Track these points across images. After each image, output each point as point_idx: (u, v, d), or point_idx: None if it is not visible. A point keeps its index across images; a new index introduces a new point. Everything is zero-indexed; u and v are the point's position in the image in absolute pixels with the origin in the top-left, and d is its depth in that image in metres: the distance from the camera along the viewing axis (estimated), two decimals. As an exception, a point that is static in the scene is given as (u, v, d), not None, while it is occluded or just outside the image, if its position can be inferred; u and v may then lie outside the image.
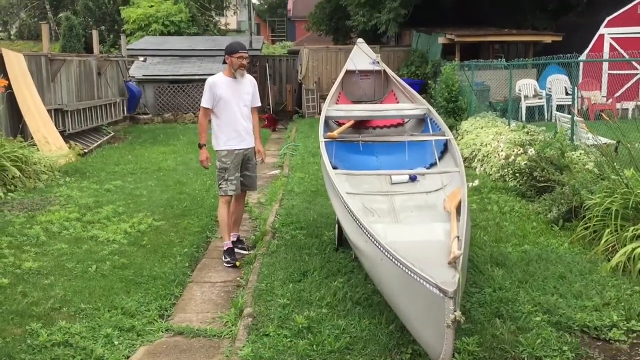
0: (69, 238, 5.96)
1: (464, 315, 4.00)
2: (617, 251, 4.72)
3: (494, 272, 4.69)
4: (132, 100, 16.04)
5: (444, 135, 5.42)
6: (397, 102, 6.67)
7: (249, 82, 5.73)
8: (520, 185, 7.58)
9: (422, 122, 6.10)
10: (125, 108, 15.78)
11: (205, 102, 5.55)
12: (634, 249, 4.51)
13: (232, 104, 5.54)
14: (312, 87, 19.00)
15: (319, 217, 6.54)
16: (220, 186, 5.63)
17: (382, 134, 6.09)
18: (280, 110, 21.15)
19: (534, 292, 4.29)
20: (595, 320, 3.84)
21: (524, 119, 14.03)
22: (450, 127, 13.98)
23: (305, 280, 4.71)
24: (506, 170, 8.07)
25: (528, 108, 14.65)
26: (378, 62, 6.93)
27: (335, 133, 5.57)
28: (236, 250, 5.72)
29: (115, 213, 6.85)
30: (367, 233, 3.70)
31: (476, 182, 7.95)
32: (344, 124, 6.26)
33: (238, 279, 5.18)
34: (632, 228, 4.73)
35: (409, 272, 3.15)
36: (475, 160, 9.56)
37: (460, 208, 4.04)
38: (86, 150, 11.36)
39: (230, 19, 40.24)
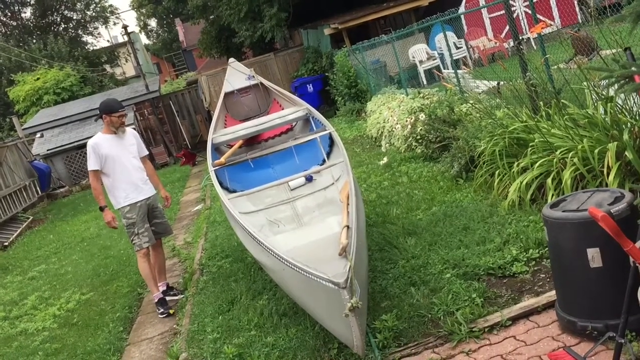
0: (-2, 340, 5.81)
1: (382, 293, 4.19)
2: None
3: (407, 243, 4.87)
4: (42, 179, 15.61)
5: (325, 130, 5.58)
6: (282, 109, 6.80)
7: (131, 135, 5.74)
8: (426, 149, 7.85)
9: (308, 122, 6.24)
10: (38, 188, 15.35)
11: (92, 165, 5.50)
12: (521, 182, 4.77)
13: (121, 159, 5.52)
14: (219, 111, 18.94)
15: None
16: (134, 242, 5.60)
17: (270, 145, 6.20)
18: (197, 142, 21.03)
19: (442, 251, 4.49)
20: (498, 260, 4.06)
21: (425, 82, 14.47)
22: (358, 111, 14.44)
23: (233, 309, 4.76)
24: (410, 139, 8.33)
25: (426, 71, 15.08)
26: (253, 76, 7.04)
27: (222, 159, 5.64)
28: (168, 298, 5.71)
29: (42, 299, 6.70)
30: (266, 248, 3.79)
31: (385, 160, 8.18)
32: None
33: (175, 326, 5.17)
34: (516, 164, 5.00)
35: (307, 275, 3.27)
36: (383, 137, 9.81)
37: (349, 196, 4.18)
38: (6, 244, 11.01)
39: (126, 67, 39.69)
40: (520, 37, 7.74)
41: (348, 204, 4.09)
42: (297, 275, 3.39)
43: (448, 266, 4.20)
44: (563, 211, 3.05)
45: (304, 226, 4.61)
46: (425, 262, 4.40)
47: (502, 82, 7.70)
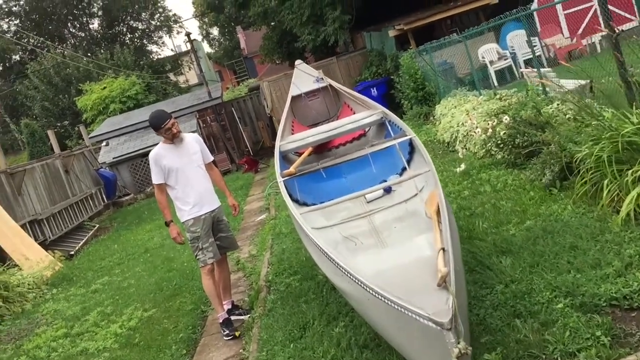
0: (58, 359, 5.55)
1: (481, 325, 3.60)
2: (623, 200, 4.29)
3: (501, 264, 4.26)
4: (109, 186, 15.72)
5: (405, 135, 5.01)
6: (353, 113, 6.29)
7: (194, 141, 5.38)
8: (508, 155, 7.17)
9: (383, 127, 5.70)
10: (104, 196, 15.45)
11: (156, 179, 5.18)
12: (638, 193, 4.08)
13: (184, 170, 5.17)
14: (281, 116, 18.69)
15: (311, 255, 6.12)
16: (198, 257, 5.23)
17: (343, 153, 5.68)
18: (260, 148, 20.88)
19: (548, 274, 3.85)
20: (622, 288, 3.39)
21: (496, 84, 13.69)
22: (426, 115, 13.78)
23: (306, 335, 4.28)
24: (489, 144, 7.66)
25: (497, 72, 14.30)
26: (322, 79, 6.56)
27: (292, 169, 5.17)
28: (233, 317, 5.31)
29: (104, 315, 6.44)
30: (346, 272, 3.29)
31: (462, 166, 7.55)
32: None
33: (241, 351, 4.76)
34: (630, 172, 4.31)
35: (399, 308, 2.75)
36: (457, 142, 9.16)
37: (440, 212, 3.63)
38: (72, 252, 10.99)
39: (189, 75, 40.30)
40: (618, 29, 6.98)
41: (439, 221, 3.54)
42: (385, 307, 2.88)
43: (559, 294, 3.56)
44: None
45: (387, 246, 4.06)
46: (529, 287, 3.78)
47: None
